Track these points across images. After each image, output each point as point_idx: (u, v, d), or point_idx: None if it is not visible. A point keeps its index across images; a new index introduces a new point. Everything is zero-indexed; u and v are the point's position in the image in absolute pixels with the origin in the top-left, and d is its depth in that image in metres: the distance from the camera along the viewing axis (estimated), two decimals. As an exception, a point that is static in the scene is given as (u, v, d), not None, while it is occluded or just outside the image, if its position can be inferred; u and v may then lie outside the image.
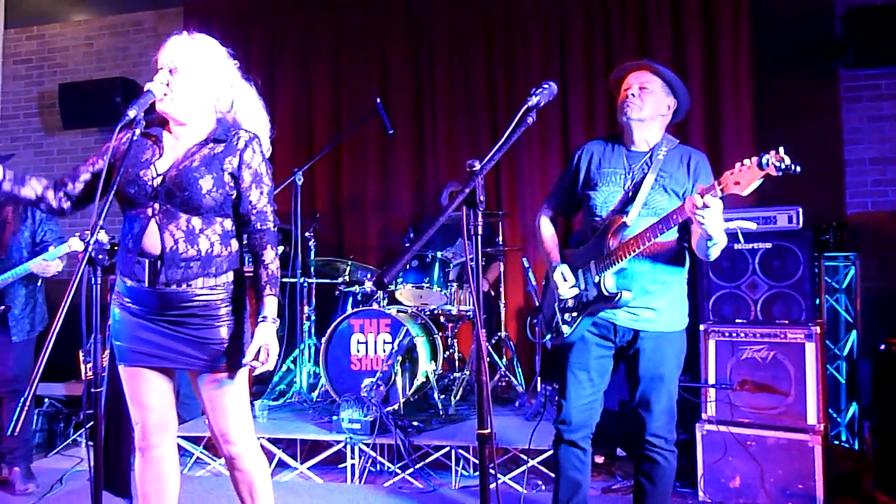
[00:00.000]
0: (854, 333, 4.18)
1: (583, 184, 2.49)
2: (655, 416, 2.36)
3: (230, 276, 2.12)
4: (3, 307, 3.42)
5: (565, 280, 2.43)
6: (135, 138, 1.96)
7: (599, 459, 3.70)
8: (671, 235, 2.34)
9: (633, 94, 2.37)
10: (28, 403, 1.52)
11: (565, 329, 2.44)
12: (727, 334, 3.40)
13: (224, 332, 2.08)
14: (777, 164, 1.93)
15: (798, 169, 1.93)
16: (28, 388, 1.53)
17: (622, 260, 2.27)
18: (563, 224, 4.94)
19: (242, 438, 2.16)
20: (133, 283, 2.06)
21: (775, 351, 3.28)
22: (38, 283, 3.60)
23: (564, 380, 2.46)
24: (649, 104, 2.36)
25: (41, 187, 2.08)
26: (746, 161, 1.98)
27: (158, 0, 6.28)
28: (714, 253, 2.21)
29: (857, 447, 4.04)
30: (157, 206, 2.03)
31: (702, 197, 2.02)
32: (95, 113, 6.03)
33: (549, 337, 2.54)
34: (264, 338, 2.06)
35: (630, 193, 2.36)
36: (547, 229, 2.65)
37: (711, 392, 3.39)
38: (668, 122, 2.45)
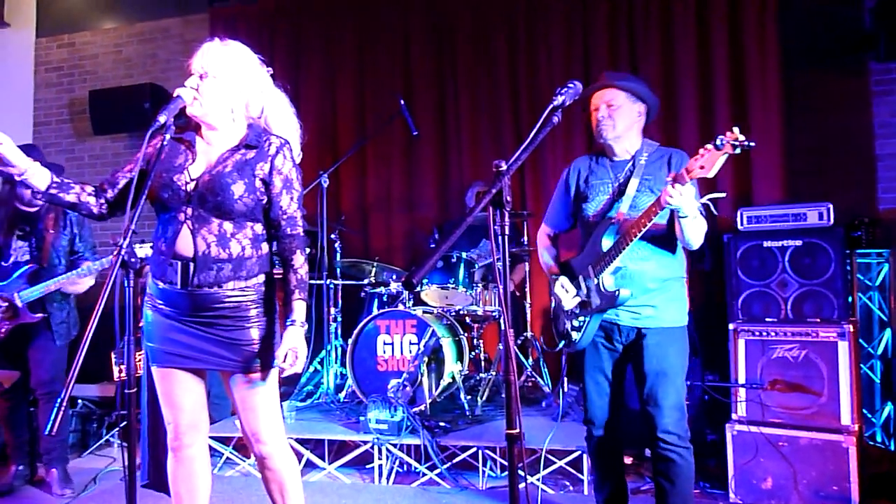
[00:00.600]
0: (888, 332, 4.09)
1: (575, 198, 2.65)
2: (665, 413, 2.39)
3: (261, 278, 2.15)
4: (41, 315, 3.48)
5: (566, 291, 2.57)
6: (165, 143, 1.99)
7: (628, 460, 3.68)
8: (665, 229, 2.44)
9: (602, 116, 2.51)
10: (64, 405, 1.55)
11: (575, 335, 2.55)
12: (757, 333, 3.36)
13: (255, 334, 2.11)
14: (732, 142, 2.05)
15: (752, 143, 2.06)
16: (64, 389, 1.56)
17: (617, 258, 2.38)
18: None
19: (273, 438, 2.18)
20: (165, 285, 2.09)
21: (807, 350, 3.23)
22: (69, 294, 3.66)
23: (584, 383, 2.61)
24: (620, 120, 2.49)
25: (84, 193, 2.13)
26: (708, 145, 2.12)
27: (185, 7, 6.37)
28: (691, 234, 2.31)
29: (892, 448, 3.95)
30: (189, 210, 2.06)
31: (673, 184, 2.17)
32: (125, 119, 6.15)
33: (562, 344, 2.65)
34: (293, 341, 2.09)
35: (615, 197, 2.50)
36: (545, 246, 2.80)
37: (741, 392, 3.34)
38: (643, 124, 2.58)
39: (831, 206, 3.38)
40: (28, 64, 6.89)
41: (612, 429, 2.57)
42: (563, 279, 2.60)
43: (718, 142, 2.07)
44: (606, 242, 2.44)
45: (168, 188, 2.07)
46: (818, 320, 3.27)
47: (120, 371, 3.58)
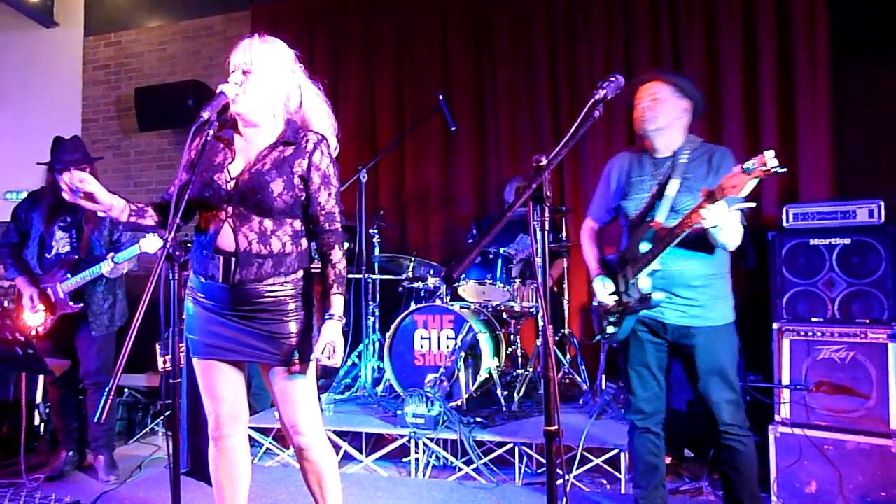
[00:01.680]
0: (941, 333, 3.95)
1: (616, 195, 2.66)
2: (722, 407, 2.45)
3: (300, 273, 2.17)
4: (80, 305, 3.55)
5: (604, 287, 2.60)
6: (208, 138, 2.01)
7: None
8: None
9: (646, 107, 2.52)
10: (111, 394, 1.59)
11: (611, 329, 2.59)
12: (802, 333, 3.27)
13: (294, 327, 2.14)
14: (762, 167, 2.06)
15: (783, 169, 2.06)
16: (112, 378, 1.60)
17: (653, 262, 2.41)
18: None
19: (311, 430, 2.21)
20: (207, 280, 2.13)
21: (855, 351, 3.14)
22: (117, 281, 3.73)
23: (628, 377, 2.65)
24: (663, 113, 2.50)
25: (156, 214, 2.21)
26: (736, 167, 2.14)
27: (227, 4, 6.48)
28: (725, 240, 2.32)
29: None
30: (230, 208, 2.10)
31: (705, 200, 2.20)
32: (169, 115, 6.29)
33: (598, 336, 2.69)
34: (331, 335, 2.12)
35: (655, 197, 2.50)
36: (589, 239, 2.83)
37: (785, 393, 3.27)
38: (687, 122, 2.57)
39: (882, 204, 3.27)
40: (77, 62, 7.09)
41: (655, 423, 2.62)
42: (602, 277, 2.63)
43: (748, 165, 2.09)
44: (644, 245, 2.45)
45: (209, 187, 2.10)
46: (867, 321, 3.18)
47: (165, 362, 3.66)
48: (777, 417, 3.27)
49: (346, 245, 2.29)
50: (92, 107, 7.00)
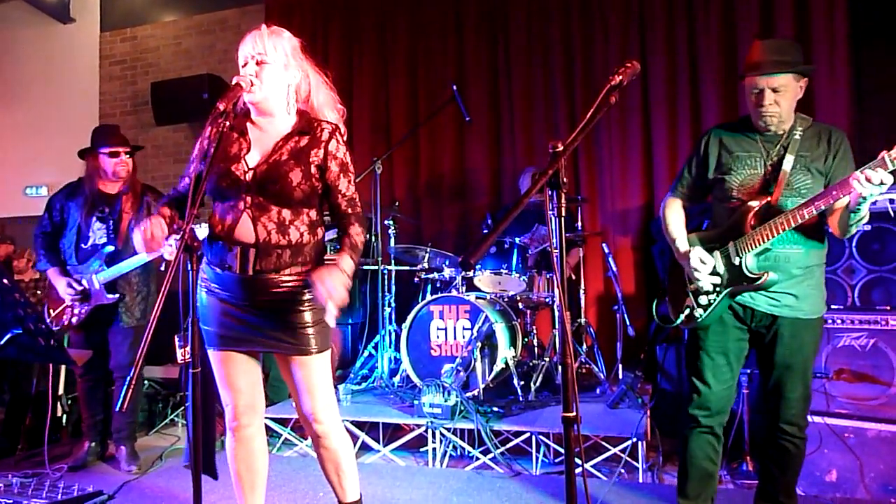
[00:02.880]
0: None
1: (715, 169, 2.44)
2: (791, 404, 2.35)
3: (319, 260, 2.18)
4: (116, 296, 3.54)
5: (704, 263, 2.37)
6: (224, 129, 2.01)
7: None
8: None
9: (768, 104, 2.29)
10: (132, 383, 1.61)
11: (699, 312, 2.41)
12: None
13: (309, 317, 2.14)
14: None
15: None
16: (132, 368, 1.61)
17: (768, 239, 2.25)
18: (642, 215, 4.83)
19: (328, 418, 2.22)
20: (223, 270, 2.13)
21: (876, 339, 3.10)
22: (151, 274, 3.73)
23: (700, 363, 2.43)
24: (786, 106, 2.31)
25: (172, 210, 2.21)
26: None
27: (241, -3, 6.50)
28: (857, 225, 2.20)
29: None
30: (249, 199, 2.10)
31: (875, 167, 1.99)
32: (185, 109, 6.33)
33: (679, 320, 2.48)
34: (330, 278, 1.94)
35: (769, 176, 2.33)
36: (674, 214, 2.57)
37: (805, 381, 3.23)
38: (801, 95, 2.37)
39: (904, 189, 3.22)
40: (93, 58, 7.16)
41: (720, 423, 2.44)
42: (700, 251, 2.39)
43: None
44: (755, 221, 2.30)
45: (227, 177, 2.10)
46: (888, 308, 3.14)
47: (183, 353, 3.68)
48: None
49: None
50: (109, 102, 7.07)
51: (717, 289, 2.37)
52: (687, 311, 2.45)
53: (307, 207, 2.15)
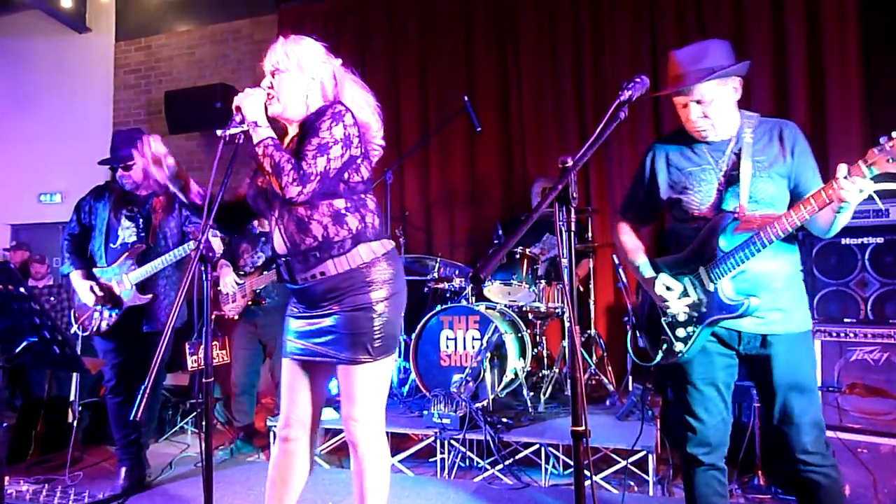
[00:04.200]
0: (979, 335, 3.86)
1: (669, 188, 2.24)
2: (804, 431, 2.07)
3: (357, 254, 2.09)
4: (149, 296, 3.40)
5: (670, 290, 2.19)
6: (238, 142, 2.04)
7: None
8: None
9: (696, 118, 2.12)
10: (147, 392, 1.62)
11: (679, 347, 2.19)
12: (834, 334, 3.22)
13: (350, 324, 2.08)
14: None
15: None
16: (147, 378, 1.63)
17: (744, 262, 2.05)
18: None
19: (359, 429, 2.14)
20: (290, 284, 2.16)
21: (889, 352, 3.08)
22: (174, 278, 3.57)
23: (689, 398, 2.21)
24: (718, 113, 2.11)
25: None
26: (873, 149, 1.80)
27: (254, 8, 6.56)
28: (841, 224, 1.99)
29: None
30: (277, 211, 2.14)
31: (848, 177, 1.81)
32: (198, 118, 6.38)
33: (659, 357, 2.26)
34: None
35: (722, 188, 2.13)
36: (629, 239, 2.42)
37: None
38: (738, 97, 2.16)
39: (917, 202, 3.20)
40: (108, 67, 7.24)
41: (720, 456, 2.21)
42: (665, 277, 2.20)
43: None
44: (725, 242, 2.09)
45: (262, 195, 2.17)
46: (902, 322, 3.12)
47: (194, 361, 3.68)
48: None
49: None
50: (123, 110, 7.14)
51: (694, 320, 2.16)
52: (665, 347, 2.24)
53: (324, 198, 2.08)
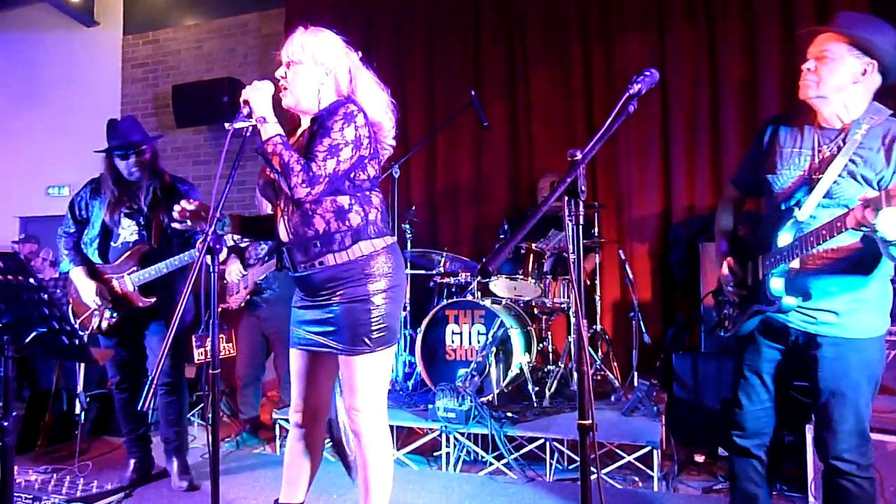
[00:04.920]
0: None
1: (764, 165, 2.17)
2: (840, 438, 2.03)
3: (357, 250, 2.12)
4: (153, 299, 3.25)
5: (730, 276, 2.23)
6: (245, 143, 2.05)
7: (700, 458, 3.59)
8: (854, 235, 1.94)
9: (807, 69, 2.03)
10: (155, 385, 1.63)
11: (728, 324, 2.29)
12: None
13: (348, 315, 2.11)
14: None
15: None
16: (154, 370, 1.63)
17: (791, 260, 2.01)
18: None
19: (361, 419, 2.17)
20: (291, 271, 2.19)
21: (896, 350, 3.07)
22: (185, 273, 3.39)
23: (737, 382, 2.27)
24: (828, 77, 1.98)
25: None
26: None
27: (262, 1, 6.57)
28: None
29: None
30: (282, 202, 2.16)
31: (865, 209, 1.70)
32: (205, 112, 6.40)
33: (721, 331, 2.35)
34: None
35: (809, 177, 2.04)
36: (723, 215, 2.37)
37: (824, 392, 3.20)
38: (872, 87, 2.01)
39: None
40: (116, 61, 7.26)
41: (757, 445, 2.25)
42: (730, 260, 2.23)
43: None
44: (784, 237, 2.03)
45: (270, 185, 2.18)
46: (909, 319, 3.10)
47: (200, 354, 3.68)
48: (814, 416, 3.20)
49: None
50: (131, 104, 7.16)
51: (742, 305, 2.20)
52: (723, 322, 2.33)
53: (330, 195, 2.10)
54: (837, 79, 1.99)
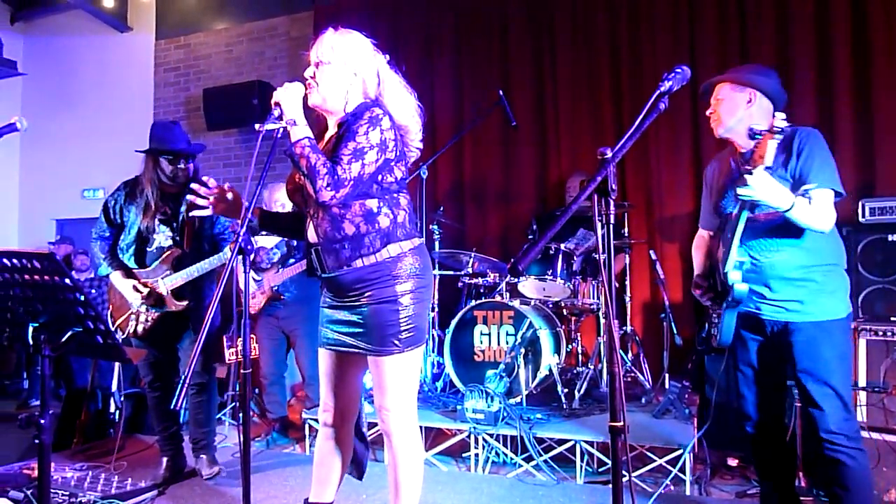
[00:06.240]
0: None
1: (717, 197, 2.54)
2: (827, 413, 2.25)
3: (385, 253, 2.12)
4: (185, 302, 3.30)
5: (700, 291, 2.53)
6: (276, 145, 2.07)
7: (733, 462, 3.53)
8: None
9: (709, 113, 2.49)
10: (188, 384, 1.65)
11: (714, 331, 2.46)
12: (880, 333, 3.13)
13: (376, 316, 2.12)
14: (772, 129, 2.01)
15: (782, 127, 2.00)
16: (187, 369, 1.65)
17: (731, 251, 2.29)
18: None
19: (391, 419, 2.17)
20: (320, 273, 2.20)
21: (938, 352, 3.00)
22: (214, 277, 3.48)
23: (736, 379, 2.53)
24: (724, 113, 2.43)
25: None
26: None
27: (290, 5, 6.63)
28: (807, 222, 2.18)
29: None
30: (311, 207, 2.17)
31: (741, 177, 2.10)
32: (235, 115, 6.47)
33: (703, 346, 2.57)
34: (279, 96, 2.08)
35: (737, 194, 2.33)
36: (695, 250, 2.72)
37: (862, 396, 3.13)
38: (764, 110, 2.41)
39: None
40: (148, 65, 7.39)
41: (766, 426, 2.49)
42: (697, 278, 2.57)
43: (756, 130, 2.13)
44: (725, 235, 2.36)
45: (299, 191, 2.20)
46: (951, 320, 3.03)
47: (231, 354, 3.71)
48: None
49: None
50: (163, 107, 7.28)
51: (714, 308, 2.45)
52: (708, 337, 2.53)
53: (358, 199, 2.11)
54: (730, 113, 2.42)
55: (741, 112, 2.40)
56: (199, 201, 2.28)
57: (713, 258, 2.49)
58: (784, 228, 2.27)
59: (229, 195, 2.28)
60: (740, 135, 2.41)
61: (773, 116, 2.00)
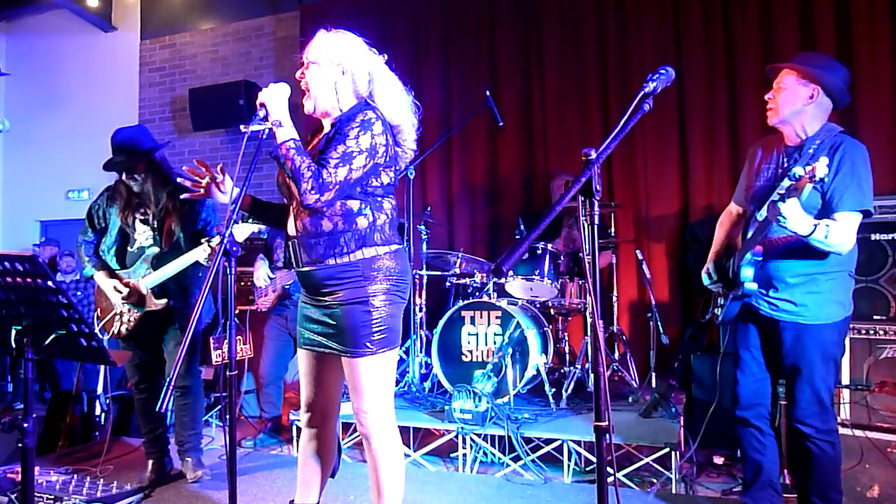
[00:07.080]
0: None
1: (751, 179, 2.59)
2: (799, 405, 2.41)
3: (359, 254, 2.12)
4: (164, 301, 3.28)
5: (708, 276, 2.66)
6: (261, 147, 2.07)
7: (719, 460, 3.56)
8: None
9: (767, 98, 2.48)
10: (171, 386, 1.64)
11: (718, 311, 2.61)
12: (864, 332, 3.17)
13: (349, 316, 2.12)
14: (812, 175, 2.01)
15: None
16: (172, 371, 1.65)
17: (749, 249, 2.38)
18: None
19: (369, 421, 2.17)
20: (294, 266, 2.20)
21: (920, 350, 3.04)
22: (200, 275, 3.44)
23: (734, 360, 2.64)
24: (782, 103, 2.42)
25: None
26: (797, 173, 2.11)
27: (277, 5, 6.60)
28: (821, 245, 2.22)
29: None
30: (295, 201, 2.16)
31: (782, 200, 2.13)
32: (222, 115, 6.43)
33: (707, 316, 2.73)
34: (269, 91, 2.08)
35: (773, 185, 2.40)
36: (720, 225, 2.79)
37: (845, 393, 3.17)
38: (823, 109, 2.42)
39: (950, 196, 3.14)
40: (133, 65, 7.34)
41: (756, 415, 2.57)
42: (710, 264, 2.67)
43: (795, 173, 2.09)
44: (749, 234, 2.44)
45: (286, 185, 2.19)
46: (933, 318, 3.07)
47: (218, 355, 3.70)
48: (836, 418, 3.16)
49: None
50: (148, 108, 7.23)
51: (724, 293, 2.58)
52: (710, 310, 2.70)
53: (340, 198, 2.11)
54: (789, 104, 2.41)
55: (800, 106, 2.41)
56: (188, 184, 2.29)
57: (732, 243, 2.60)
58: (805, 246, 2.30)
59: (219, 176, 2.28)
60: (792, 128, 2.44)
61: (813, 164, 1.99)
